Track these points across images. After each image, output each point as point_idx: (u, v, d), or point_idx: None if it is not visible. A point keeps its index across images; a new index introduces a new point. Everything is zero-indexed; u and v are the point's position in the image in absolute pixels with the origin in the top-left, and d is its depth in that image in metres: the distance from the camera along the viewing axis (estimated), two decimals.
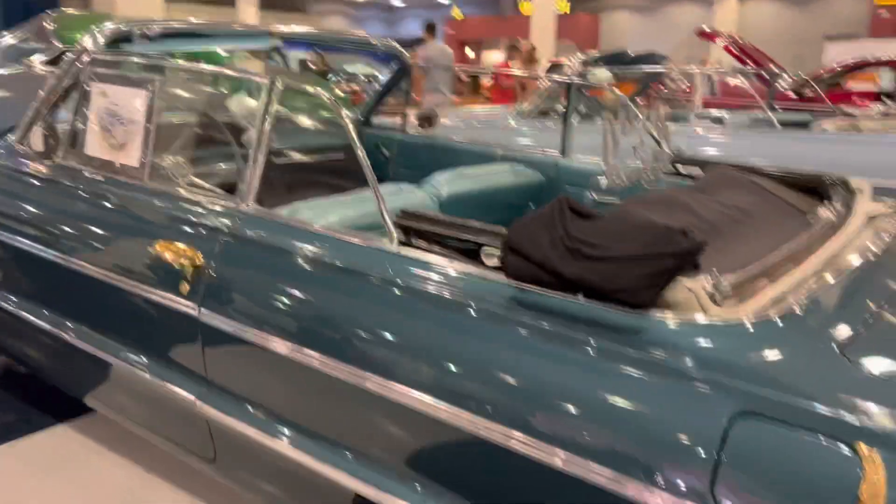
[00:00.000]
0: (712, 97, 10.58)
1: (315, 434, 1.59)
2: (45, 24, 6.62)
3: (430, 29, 11.36)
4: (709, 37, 11.01)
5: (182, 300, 1.76)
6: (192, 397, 1.80)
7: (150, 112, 2.02)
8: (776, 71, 8.02)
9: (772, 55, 12.44)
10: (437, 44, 10.82)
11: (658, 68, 5.95)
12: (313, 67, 10.57)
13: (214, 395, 1.77)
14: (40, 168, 2.25)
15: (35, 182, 2.27)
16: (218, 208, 1.83)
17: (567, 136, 2.97)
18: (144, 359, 1.92)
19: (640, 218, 1.53)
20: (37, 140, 2.33)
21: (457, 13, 31.94)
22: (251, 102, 2.94)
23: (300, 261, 1.64)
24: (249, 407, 1.71)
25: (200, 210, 1.86)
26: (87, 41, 2.29)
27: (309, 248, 1.64)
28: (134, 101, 2.05)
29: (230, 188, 1.94)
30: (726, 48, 10.61)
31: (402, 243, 1.55)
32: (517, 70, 9.31)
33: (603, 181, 2.04)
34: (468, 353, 1.33)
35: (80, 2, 23.03)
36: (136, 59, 2.23)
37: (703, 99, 8.93)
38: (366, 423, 1.49)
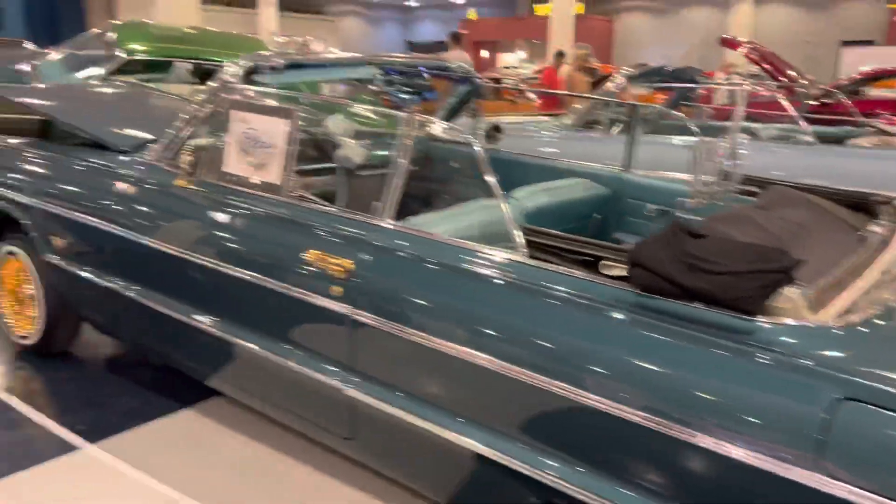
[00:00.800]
0: (732, 106, 10.81)
1: (450, 411, 1.90)
2: (106, 33, 6.97)
3: (455, 38, 11.88)
4: (731, 44, 11.26)
5: (334, 301, 2.08)
6: (337, 383, 2.12)
7: (289, 137, 2.34)
8: (801, 80, 8.28)
9: (787, 60, 12.69)
10: (459, 52, 11.33)
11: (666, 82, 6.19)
12: None
13: (359, 380, 2.09)
14: (186, 183, 2.57)
15: (184, 196, 2.59)
16: (363, 221, 2.15)
17: (632, 151, 3.27)
18: (292, 350, 2.24)
19: (739, 237, 1.84)
20: (179, 158, 2.66)
21: (472, 14, 32.22)
22: (347, 122, 3.27)
23: (440, 268, 1.96)
24: (392, 390, 2.02)
25: (347, 223, 2.18)
26: (227, 73, 2.61)
27: (445, 258, 1.96)
28: (274, 128, 2.37)
29: (329, 197, 2.24)
30: (747, 55, 10.85)
31: (530, 255, 1.87)
32: (561, 87, 9.50)
33: (688, 201, 2.34)
34: (606, 349, 1.64)
35: (105, 9, 23.45)
36: (272, 91, 2.56)
37: (726, 109, 9.19)
38: (499, 403, 1.80)
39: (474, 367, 1.80)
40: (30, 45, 13.23)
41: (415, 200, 2.85)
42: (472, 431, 1.85)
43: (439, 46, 23.21)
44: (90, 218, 2.80)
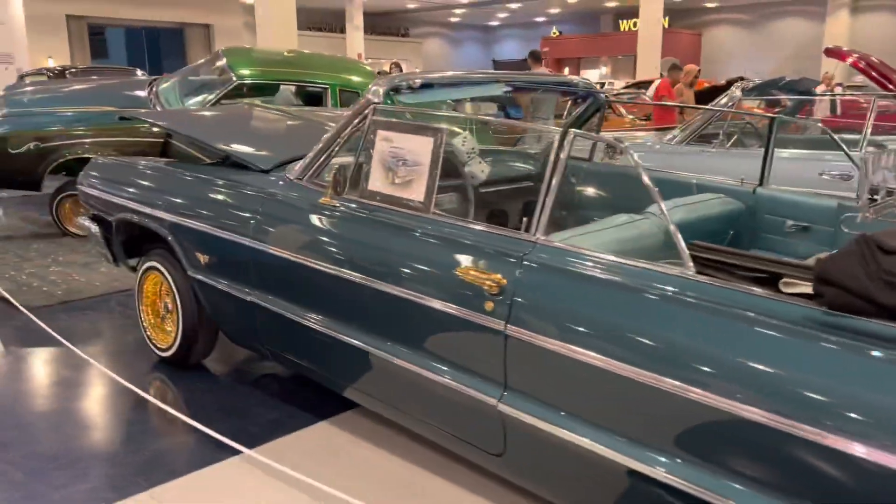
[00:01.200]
0: (836, 117, 10.42)
1: (610, 430, 1.87)
2: (217, 60, 7.28)
3: (535, 56, 12.03)
4: (837, 55, 10.87)
5: (488, 317, 2.09)
6: (490, 398, 2.12)
7: (435, 156, 2.38)
8: None
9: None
10: (544, 69, 11.37)
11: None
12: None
13: (514, 396, 2.08)
14: (332, 201, 2.65)
15: (330, 213, 2.66)
16: (515, 238, 2.16)
17: (767, 166, 3.18)
18: (443, 366, 2.26)
19: None
20: (323, 176, 2.74)
21: (554, 32, 32.17)
22: (471, 140, 3.30)
23: (598, 284, 1.94)
24: (547, 406, 2.01)
25: (497, 239, 2.19)
26: (371, 93, 2.68)
27: (605, 273, 1.94)
28: (421, 147, 2.42)
29: (459, 213, 2.23)
30: (855, 65, 10.44)
31: (698, 271, 1.83)
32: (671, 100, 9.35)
33: (856, 216, 2.26)
34: (794, 370, 1.58)
35: (204, 38, 24.55)
36: (414, 110, 2.61)
37: (831, 120, 8.85)
38: (665, 422, 1.76)
39: (639, 386, 1.77)
40: (140, 73, 14.03)
41: (563, 214, 2.84)
42: (635, 450, 1.81)
43: (524, 64, 23.33)
44: (235, 235, 2.92)
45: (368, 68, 8.67)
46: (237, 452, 2.70)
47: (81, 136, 6.20)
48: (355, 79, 7.14)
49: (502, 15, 32.05)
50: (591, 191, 3.28)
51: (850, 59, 10.61)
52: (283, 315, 2.76)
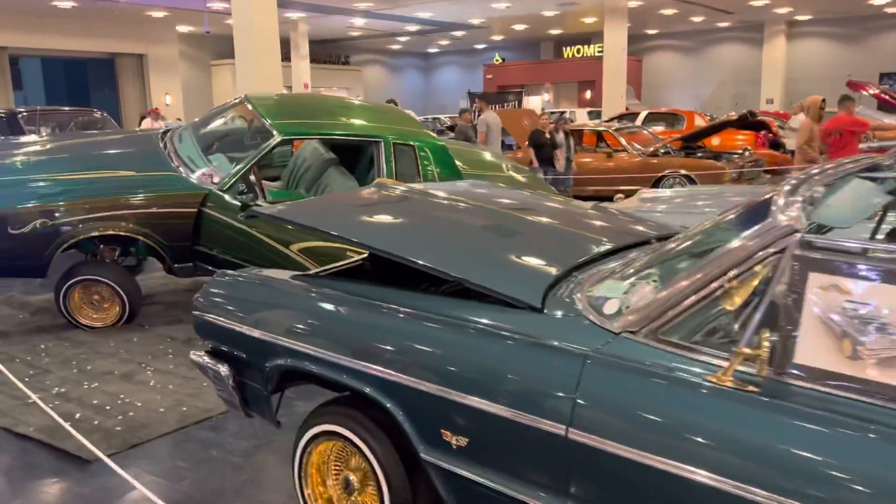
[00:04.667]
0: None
1: None
2: (245, 108, 6.24)
3: (485, 98, 12.79)
4: (858, 86, 10.97)
5: None
6: None
7: None
8: None
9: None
10: (493, 113, 11.70)
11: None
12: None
13: None
14: (732, 380, 1.76)
15: (739, 399, 1.73)
16: None
17: None
18: None
19: None
20: (675, 333, 1.87)
21: (497, 59, 31.86)
22: None
23: None
24: None
25: None
26: (785, 215, 1.83)
27: None
28: None
29: None
30: (877, 96, 10.49)
31: None
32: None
33: None
34: None
35: (137, 68, 22.94)
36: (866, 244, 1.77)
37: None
38: None
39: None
40: (97, 113, 12.59)
41: None
42: None
43: (499, 97, 22.82)
44: (531, 417, 1.98)
45: (413, 117, 7.76)
46: None
47: (98, 210, 5.05)
48: (408, 128, 6.24)
49: (443, 42, 31.55)
50: None
51: (870, 89, 10.67)
52: None
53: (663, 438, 1.77)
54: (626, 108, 18.95)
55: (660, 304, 1.95)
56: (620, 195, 6.79)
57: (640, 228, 3.04)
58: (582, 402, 1.90)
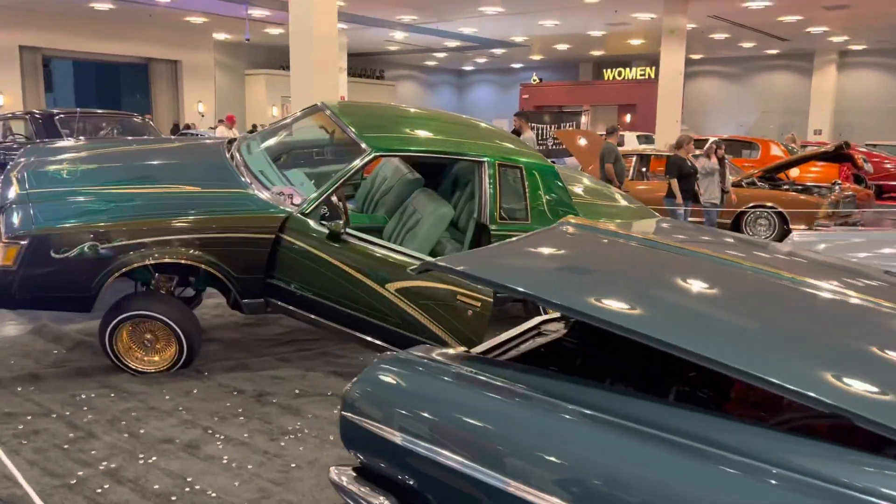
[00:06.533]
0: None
1: None
2: (322, 117, 5.37)
3: (524, 117, 12.80)
4: None
5: None
6: None
7: None
8: None
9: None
10: (530, 131, 11.71)
11: None
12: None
13: None
14: None
15: None
16: None
17: None
18: None
19: None
20: None
21: (535, 78, 31.05)
22: None
23: None
24: None
25: None
26: None
27: None
28: None
29: None
30: None
31: None
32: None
33: None
34: None
35: (171, 74, 22.31)
36: None
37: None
38: None
39: None
40: (139, 118, 11.82)
41: None
42: None
43: (537, 116, 22.00)
44: None
45: (513, 135, 6.88)
46: None
47: (157, 232, 4.15)
48: (515, 146, 5.33)
49: (480, 60, 30.81)
50: None
51: None
52: None
53: None
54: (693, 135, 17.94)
55: None
56: None
57: None
58: None
